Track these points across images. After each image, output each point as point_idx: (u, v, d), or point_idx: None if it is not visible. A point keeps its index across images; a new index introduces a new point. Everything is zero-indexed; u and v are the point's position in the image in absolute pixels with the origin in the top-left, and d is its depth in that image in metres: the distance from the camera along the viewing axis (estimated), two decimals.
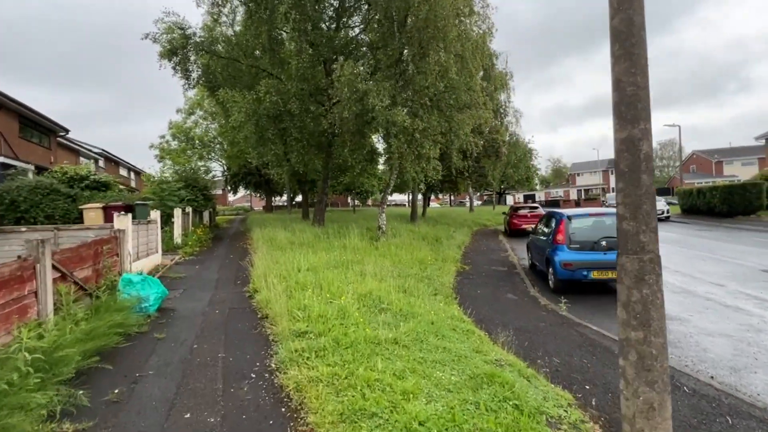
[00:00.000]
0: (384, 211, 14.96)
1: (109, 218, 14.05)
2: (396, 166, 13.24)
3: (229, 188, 47.79)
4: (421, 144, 12.13)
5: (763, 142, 34.67)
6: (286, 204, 58.12)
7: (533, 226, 21.91)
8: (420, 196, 29.65)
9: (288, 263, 8.11)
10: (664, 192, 57.24)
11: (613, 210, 8.52)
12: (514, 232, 21.39)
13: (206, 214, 20.91)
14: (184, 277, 8.42)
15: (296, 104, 12.72)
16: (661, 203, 26.87)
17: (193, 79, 16.25)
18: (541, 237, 10.10)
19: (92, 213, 11.02)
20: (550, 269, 8.86)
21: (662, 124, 69.69)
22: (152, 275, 7.48)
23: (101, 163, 34.89)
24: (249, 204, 62.74)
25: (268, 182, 40.64)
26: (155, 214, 8.58)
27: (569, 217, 8.75)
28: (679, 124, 35.94)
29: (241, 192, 50.12)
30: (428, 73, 11.12)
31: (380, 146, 19.18)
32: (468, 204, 46.15)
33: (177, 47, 15.49)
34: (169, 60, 15.73)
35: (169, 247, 11.16)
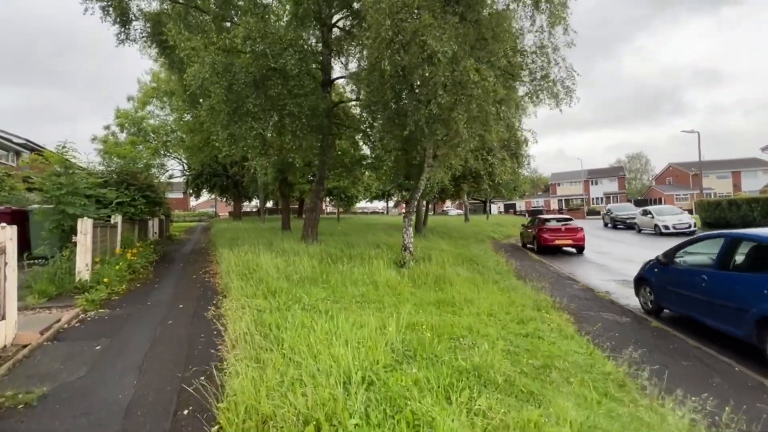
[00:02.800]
0: (411, 224, 10.55)
1: None
2: (444, 157, 8.92)
3: (191, 191, 41.56)
4: (488, 121, 7.88)
5: None
6: (257, 210, 52.13)
7: (569, 242, 18.34)
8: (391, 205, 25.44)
9: (307, 347, 3.53)
10: (641, 203, 56.45)
11: None
12: (544, 249, 17.51)
13: (154, 224, 15.59)
14: (38, 404, 3.15)
15: (294, 58, 8.10)
16: (685, 216, 24.13)
17: (135, 29, 11.22)
18: (727, 276, 6.00)
19: None
20: None
21: (680, 131, 69.72)
22: None
23: (26, 156, 28.23)
24: (214, 209, 56.25)
25: (237, 185, 35.14)
26: (3, 233, 3.77)
27: None
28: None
29: (205, 196, 43.95)
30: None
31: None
32: (463, 213, 42.58)
33: None
34: None
35: (62, 290, 6.07)
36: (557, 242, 17.29)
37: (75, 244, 6.43)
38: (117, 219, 8.83)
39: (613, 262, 14.13)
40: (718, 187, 65.01)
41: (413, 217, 10.54)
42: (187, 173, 36.98)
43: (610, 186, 73.64)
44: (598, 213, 57.56)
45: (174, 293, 6.82)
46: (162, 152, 28.52)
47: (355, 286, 6.94)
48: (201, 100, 8.86)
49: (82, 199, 7.11)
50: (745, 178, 64.06)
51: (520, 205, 79.29)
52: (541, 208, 74.17)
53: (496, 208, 72.93)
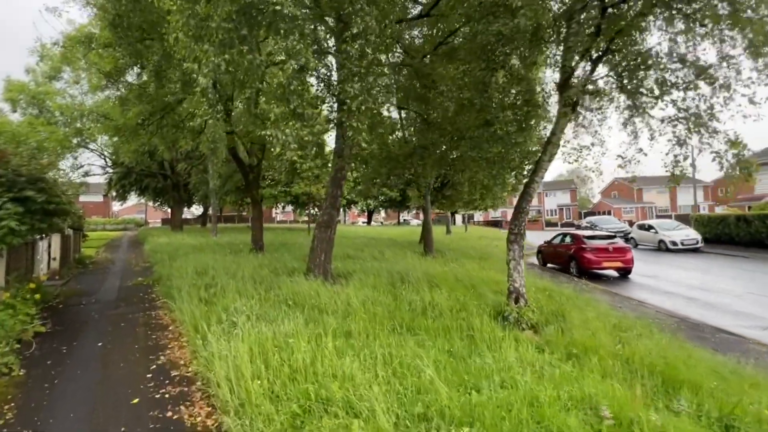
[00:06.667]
0: (522, 256, 6.36)
1: None
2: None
3: (114, 194, 33.55)
4: None
5: None
6: (197, 217, 44.39)
7: (618, 264, 15.17)
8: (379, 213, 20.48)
9: None
10: (590, 215, 58.09)
11: None
12: (586, 272, 14.30)
13: (52, 244, 9.64)
14: None
15: None
16: (691, 231, 22.59)
17: None
18: None
19: None
20: None
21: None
22: None
23: None
24: (143, 216, 47.35)
25: (178, 187, 28.37)
26: None
27: None
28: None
29: (133, 199, 35.95)
30: None
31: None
32: (432, 223, 39.24)
33: None
34: None
35: None
36: (605, 264, 14.15)
37: None
38: None
39: (692, 293, 11.05)
40: (658, 200, 70.36)
41: (523, 243, 6.35)
42: (111, 171, 29.38)
43: (563, 198, 75.93)
44: (555, 225, 58.32)
45: None
46: (75, 141, 21.39)
47: None
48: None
49: None
50: (680, 193, 69.40)
51: (478, 216, 79.01)
52: (500, 219, 74.28)
53: (460, 218, 71.56)
